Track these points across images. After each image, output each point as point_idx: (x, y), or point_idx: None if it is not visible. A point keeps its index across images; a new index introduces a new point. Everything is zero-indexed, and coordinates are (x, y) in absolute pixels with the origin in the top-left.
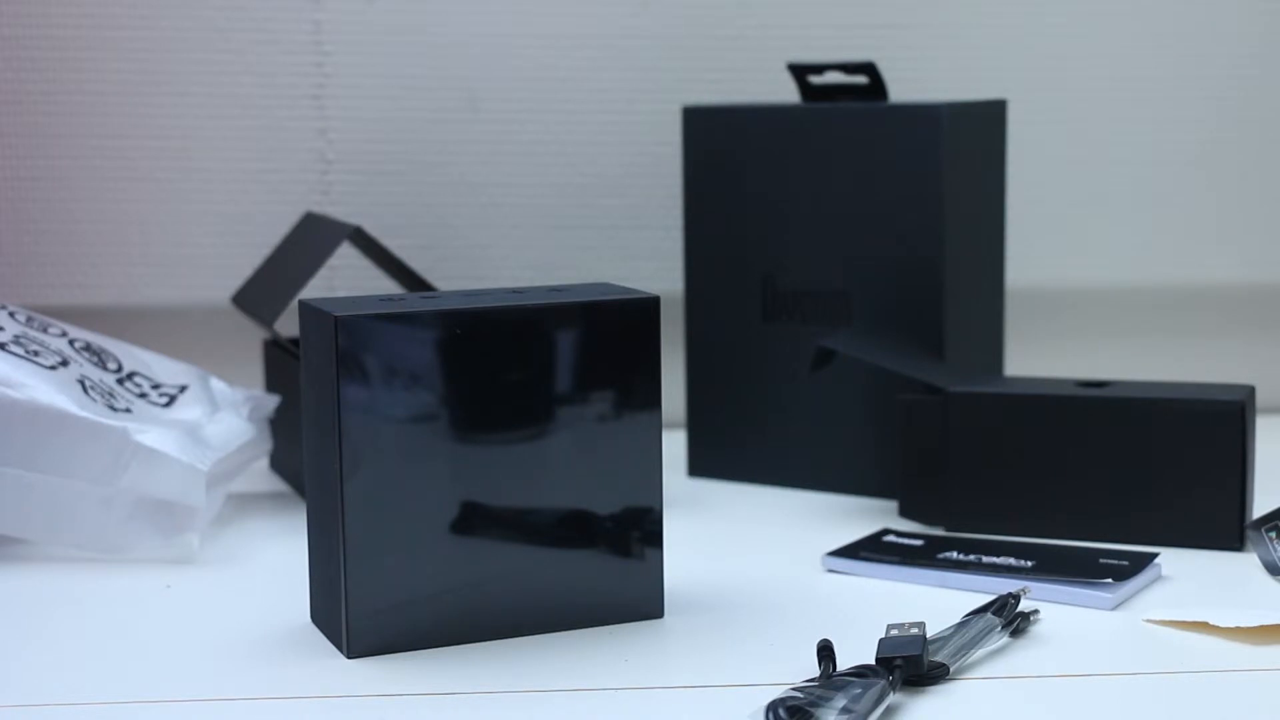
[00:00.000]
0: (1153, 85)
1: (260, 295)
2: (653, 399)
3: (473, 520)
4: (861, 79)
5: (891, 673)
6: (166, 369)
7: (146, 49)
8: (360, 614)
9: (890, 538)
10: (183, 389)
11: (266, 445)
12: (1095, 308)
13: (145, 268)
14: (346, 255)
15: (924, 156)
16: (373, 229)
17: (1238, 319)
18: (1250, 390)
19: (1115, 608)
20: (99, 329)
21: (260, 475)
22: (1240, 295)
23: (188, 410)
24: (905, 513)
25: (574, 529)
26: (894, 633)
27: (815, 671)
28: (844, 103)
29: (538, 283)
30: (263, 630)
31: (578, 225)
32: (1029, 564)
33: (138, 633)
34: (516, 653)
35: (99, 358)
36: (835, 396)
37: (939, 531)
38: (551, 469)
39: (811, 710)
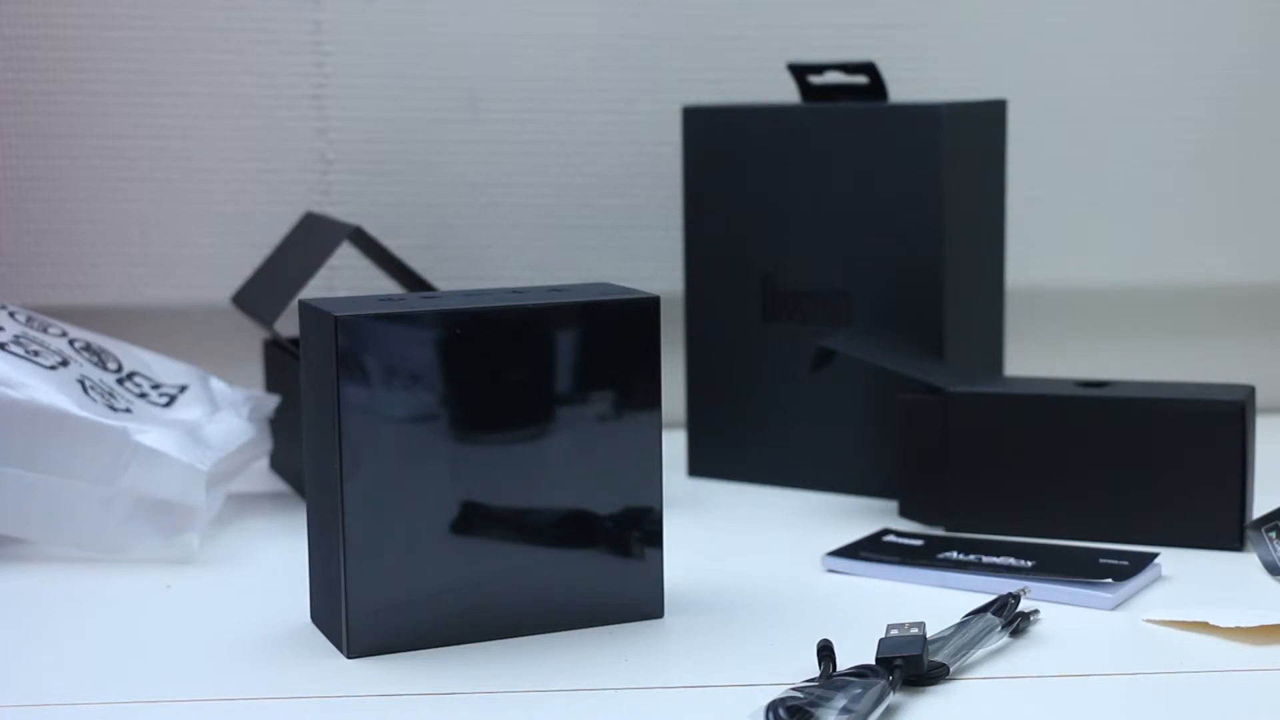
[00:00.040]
0: (1153, 85)
1: (260, 295)
2: (653, 399)
3: (473, 520)
4: (861, 79)
5: (891, 673)
6: (166, 369)
7: (146, 49)
8: (360, 614)
9: (890, 538)
10: (183, 389)
11: (266, 445)
12: (1095, 308)
13: (145, 268)
14: (346, 255)
15: (924, 156)
16: (373, 229)
17: (1238, 319)
18: (1250, 390)
19: (1115, 608)
20: (99, 329)
21: (260, 475)
22: (1240, 295)
23: (188, 410)
24: (905, 513)
25: (574, 529)
26: (894, 633)
27: (815, 671)
28: (844, 103)
29: (538, 283)
30: (263, 630)
31: (578, 225)
32: (1029, 564)
33: (138, 633)
34: (516, 653)
35: (99, 358)
36: (835, 396)
37: (939, 531)
38: (551, 469)
39: (811, 710)
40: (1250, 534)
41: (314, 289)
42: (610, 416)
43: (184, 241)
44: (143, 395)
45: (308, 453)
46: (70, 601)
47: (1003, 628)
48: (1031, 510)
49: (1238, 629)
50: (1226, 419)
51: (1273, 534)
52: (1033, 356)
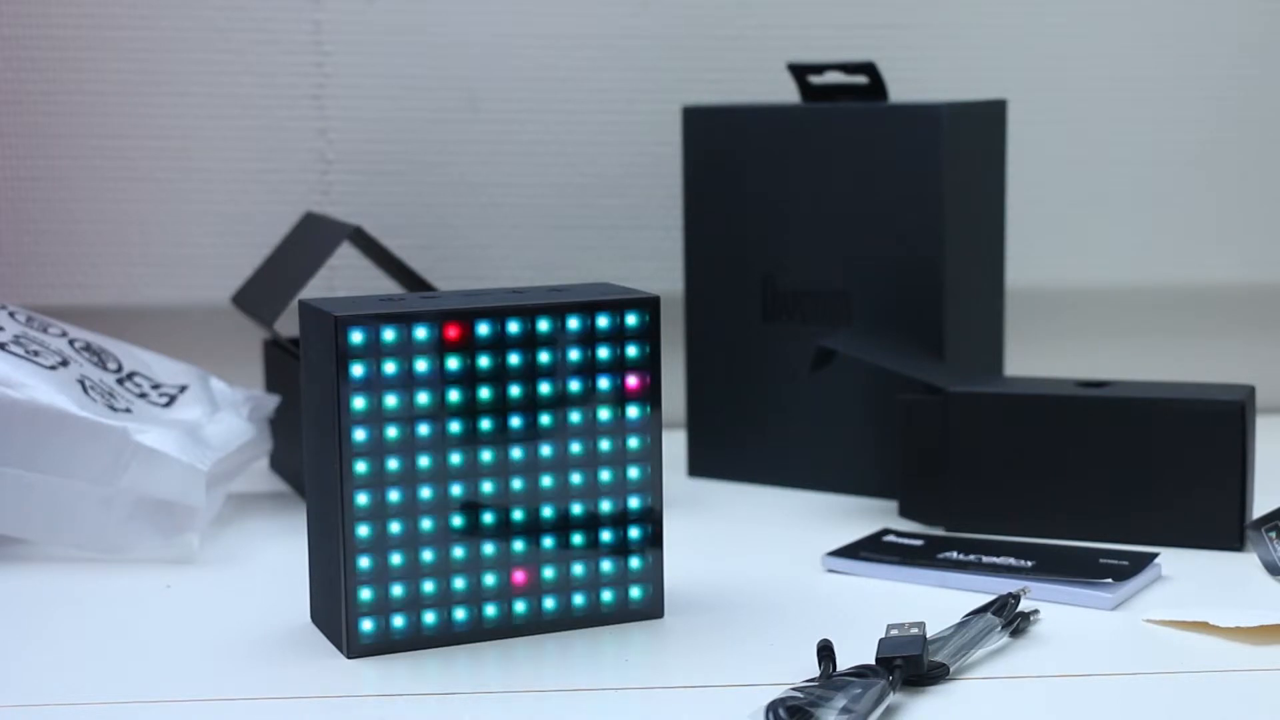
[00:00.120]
0: (1153, 85)
1: (260, 295)
2: (653, 399)
3: (473, 520)
4: (861, 79)
5: (891, 673)
6: (166, 369)
7: (146, 49)
8: (360, 614)
9: (890, 538)
10: (183, 389)
11: (266, 445)
12: (1095, 308)
13: (145, 268)
14: (346, 255)
15: (924, 156)
16: (373, 229)
17: (1238, 319)
18: (1250, 390)
19: (1115, 608)
20: (99, 329)
21: (260, 475)
22: (1240, 295)
23: (188, 410)
24: (905, 513)
25: (574, 529)
26: (894, 633)
27: (815, 671)
28: (844, 103)
29: (538, 283)
30: (263, 630)
31: (578, 225)
32: (1029, 564)
33: (138, 633)
34: (516, 653)
35: (99, 358)
36: (835, 396)
37: (939, 531)
38: (552, 469)
39: (811, 710)
40: (1250, 534)
41: (314, 289)
42: (610, 416)
43: (184, 241)
44: (143, 395)
45: (308, 453)
46: (70, 601)
47: (1003, 628)
48: (1031, 510)
49: (1238, 629)
50: (1226, 419)
51: (1273, 534)
52: (1033, 356)
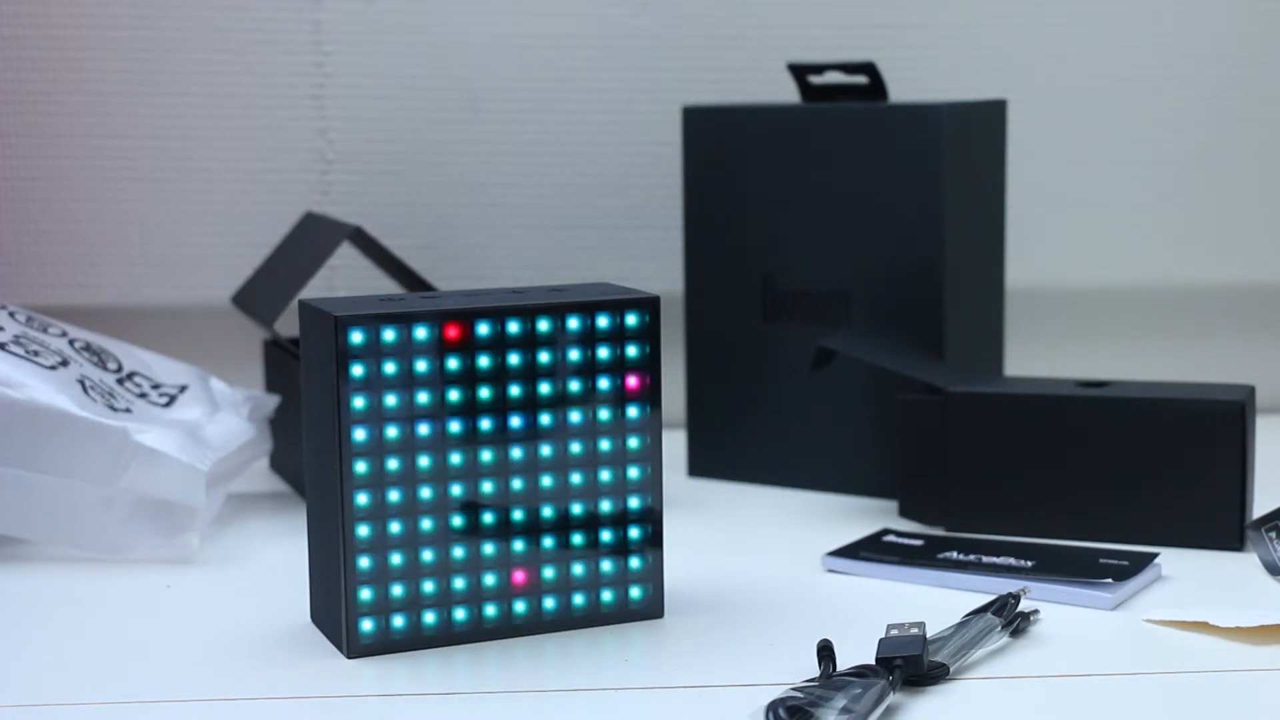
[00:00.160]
0: (1153, 85)
1: (260, 295)
2: (653, 399)
3: (473, 520)
4: (861, 79)
5: (891, 673)
6: (166, 369)
7: (146, 49)
8: (360, 614)
9: (890, 538)
10: (183, 389)
11: (266, 445)
12: (1095, 308)
13: (145, 268)
14: (346, 255)
15: (924, 156)
16: (373, 229)
17: (1238, 319)
18: (1250, 390)
19: (1115, 608)
20: (99, 329)
21: (260, 475)
22: (1240, 295)
23: (188, 410)
24: (905, 513)
25: (574, 529)
26: (894, 633)
27: (815, 671)
28: (844, 103)
29: (538, 283)
30: (263, 630)
31: (578, 225)
32: (1029, 564)
33: (138, 633)
34: (516, 653)
35: (99, 358)
36: (835, 396)
37: (939, 531)
38: (552, 469)
39: (811, 710)
40: (1250, 534)
41: (314, 289)
42: (610, 416)
43: (184, 241)
44: (143, 395)
45: (308, 453)
46: (70, 601)
47: (1003, 628)
48: (1031, 510)
49: (1238, 629)
50: (1226, 419)
51: (1273, 534)
52: (1033, 356)
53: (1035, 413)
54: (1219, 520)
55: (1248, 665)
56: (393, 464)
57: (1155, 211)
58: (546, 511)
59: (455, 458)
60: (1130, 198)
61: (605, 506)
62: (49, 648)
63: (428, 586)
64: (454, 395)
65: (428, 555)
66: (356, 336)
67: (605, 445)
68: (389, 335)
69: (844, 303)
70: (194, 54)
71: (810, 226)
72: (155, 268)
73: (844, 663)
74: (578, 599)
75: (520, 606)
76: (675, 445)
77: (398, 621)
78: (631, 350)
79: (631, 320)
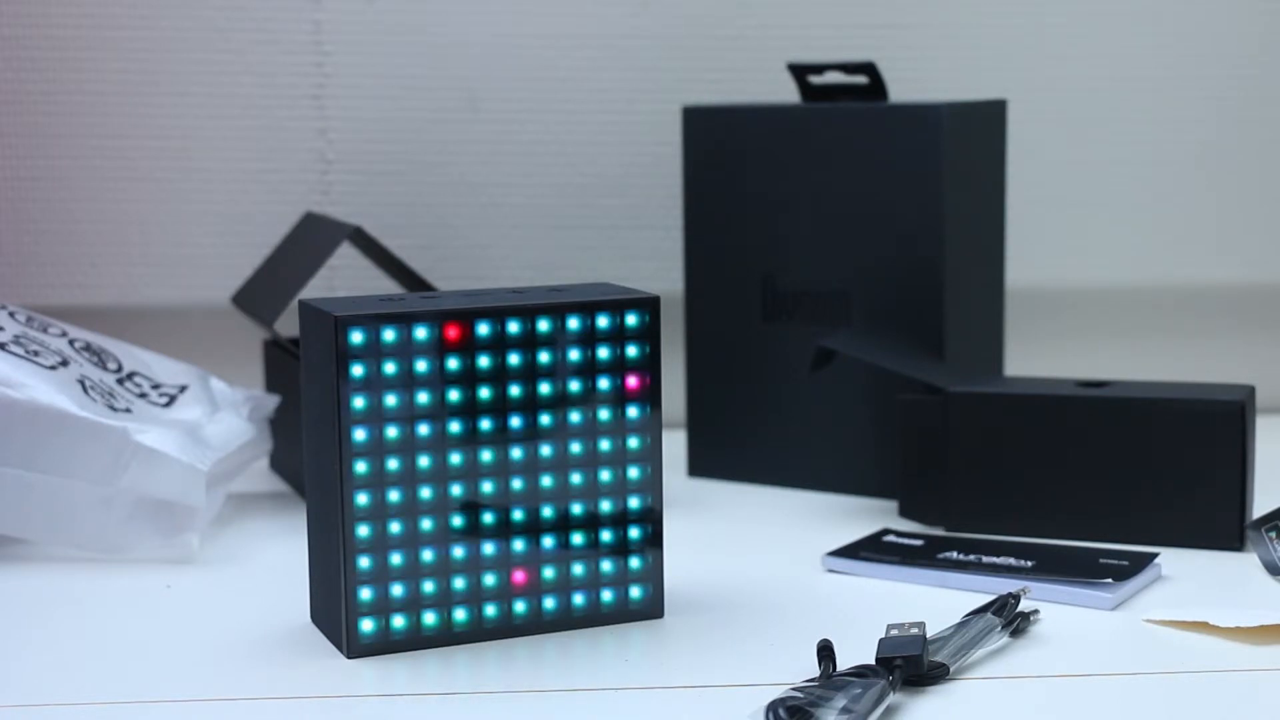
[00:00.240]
0: (1153, 85)
1: (260, 295)
2: (653, 399)
3: (473, 520)
4: (861, 79)
5: (891, 673)
6: (166, 369)
7: (146, 49)
8: (360, 614)
9: (890, 538)
10: (183, 389)
11: (266, 445)
12: (1095, 308)
13: (145, 268)
14: (346, 255)
15: (924, 156)
16: (373, 229)
17: (1238, 319)
18: (1250, 390)
19: (1115, 608)
20: (99, 329)
21: (260, 475)
22: (1240, 295)
23: (188, 410)
24: (905, 513)
25: (574, 529)
26: (894, 633)
27: (815, 671)
28: (844, 103)
29: (538, 283)
30: (263, 630)
31: (578, 225)
32: (1029, 564)
33: (138, 633)
34: (516, 653)
35: (99, 358)
36: (835, 396)
37: (939, 531)
38: (552, 469)
39: (811, 710)
40: (1250, 534)
41: (314, 289)
42: (610, 416)
43: (184, 241)
44: (143, 395)
45: (308, 453)
46: (70, 601)
47: (1003, 628)
48: (1031, 510)
49: (1238, 629)
50: (1226, 419)
51: (1273, 534)
52: (1033, 356)
53: (1035, 413)
54: (1219, 520)
55: (1248, 665)
56: (393, 464)
57: (1155, 211)
58: (546, 511)
59: (455, 458)
60: (1130, 198)
61: (605, 506)
62: (49, 648)
63: (428, 586)
64: (454, 395)
65: (428, 555)
66: (356, 336)
67: (605, 445)
68: (389, 335)
69: (844, 303)
70: (194, 54)
71: (810, 226)
72: (155, 268)
73: (844, 663)
74: (578, 599)
75: (520, 606)
76: (675, 445)
77: (398, 621)
78: (631, 350)
79: (631, 320)
